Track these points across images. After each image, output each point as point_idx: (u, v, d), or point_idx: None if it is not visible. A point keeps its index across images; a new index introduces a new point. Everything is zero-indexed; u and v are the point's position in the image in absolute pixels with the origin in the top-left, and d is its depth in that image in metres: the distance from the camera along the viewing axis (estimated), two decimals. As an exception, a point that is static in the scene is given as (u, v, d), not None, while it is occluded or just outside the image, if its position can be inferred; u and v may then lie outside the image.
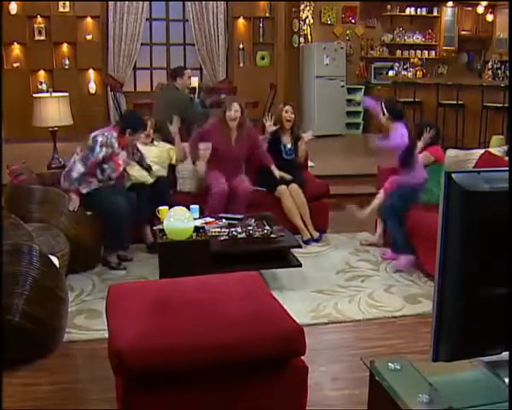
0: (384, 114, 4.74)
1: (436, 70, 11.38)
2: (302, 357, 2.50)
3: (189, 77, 6.43)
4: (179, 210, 3.93)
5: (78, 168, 4.49)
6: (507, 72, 8.60)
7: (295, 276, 4.33)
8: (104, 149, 4.54)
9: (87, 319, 3.71)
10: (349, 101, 10.96)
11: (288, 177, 5.29)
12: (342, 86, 10.60)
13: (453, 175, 1.74)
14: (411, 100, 8.82)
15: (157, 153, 5.29)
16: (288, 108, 5.52)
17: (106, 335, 3.39)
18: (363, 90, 11.17)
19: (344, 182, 6.92)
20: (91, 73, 9.77)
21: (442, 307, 1.90)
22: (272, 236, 4.13)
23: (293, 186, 5.31)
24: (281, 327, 2.45)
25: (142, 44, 9.80)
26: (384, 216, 4.94)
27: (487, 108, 7.95)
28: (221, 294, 2.74)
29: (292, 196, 5.27)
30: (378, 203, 4.86)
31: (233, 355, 2.35)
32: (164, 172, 5.28)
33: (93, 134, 4.62)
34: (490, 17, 11.46)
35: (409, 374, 2.06)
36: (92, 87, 9.74)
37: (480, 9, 11.26)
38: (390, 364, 2.11)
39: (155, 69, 10.31)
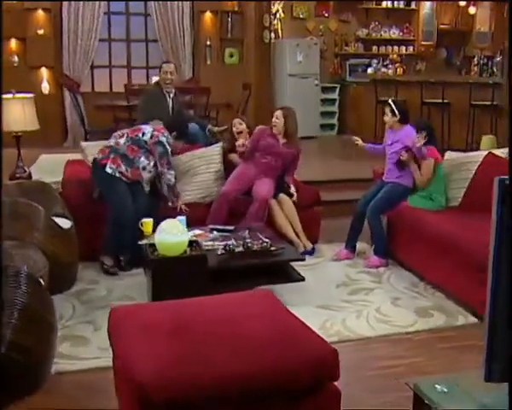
0: (395, 113, 4.93)
1: (414, 67, 11.57)
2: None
3: (167, 72, 6.20)
4: (171, 222, 3.85)
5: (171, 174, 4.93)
6: (494, 68, 8.80)
7: (295, 291, 4.29)
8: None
9: (73, 346, 3.59)
10: (323, 101, 11.04)
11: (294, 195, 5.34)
12: (316, 85, 10.66)
13: (507, 182, 1.78)
14: (393, 99, 8.91)
15: None
16: (235, 121, 5.66)
17: (96, 364, 3.36)
18: (338, 90, 11.27)
19: (327, 188, 6.91)
20: (44, 72, 9.52)
21: (495, 323, 1.91)
22: (272, 248, 4.09)
23: (283, 197, 5.28)
24: (313, 349, 2.41)
25: (100, 40, 9.61)
26: (370, 214, 5.05)
27: (474, 107, 8.12)
28: (239, 315, 2.68)
29: (282, 208, 5.24)
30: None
31: (264, 382, 2.30)
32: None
33: (144, 127, 4.99)
34: (472, 9, 11.65)
35: (459, 396, 2.07)
36: (45, 87, 9.47)
37: (462, 2, 11.45)
38: (437, 386, 2.12)
39: (115, 67, 10.14)
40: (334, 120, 11.35)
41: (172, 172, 4.95)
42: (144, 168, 4.89)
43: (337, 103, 11.33)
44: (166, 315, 2.67)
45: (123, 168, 4.82)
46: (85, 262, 4.75)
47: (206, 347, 2.38)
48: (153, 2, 9.68)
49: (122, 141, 4.90)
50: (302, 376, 2.33)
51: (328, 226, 5.76)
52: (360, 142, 5.46)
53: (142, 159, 4.87)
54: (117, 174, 4.80)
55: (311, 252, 5.14)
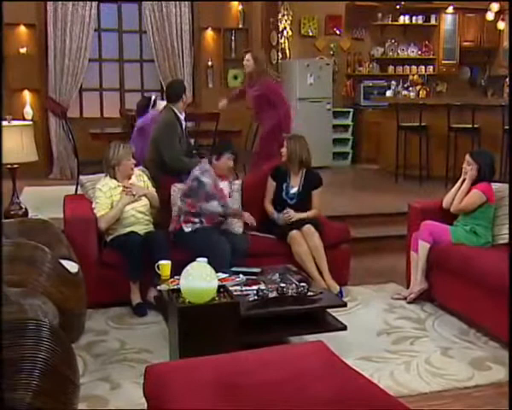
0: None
1: (434, 88, 11.68)
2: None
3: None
4: (198, 266, 3.81)
5: (213, 206, 5.09)
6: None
7: (331, 340, 4.19)
8: (208, 177, 5.11)
9: (90, 408, 3.52)
10: (334, 127, 11.08)
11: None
12: (329, 109, 10.73)
13: None
14: (416, 124, 8.99)
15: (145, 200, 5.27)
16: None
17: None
18: (351, 115, 11.35)
19: (353, 223, 6.89)
20: (27, 95, 9.54)
21: None
22: (309, 293, 4.06)
23: (307, 227, 5.25)
24: (390, 411, 2.38)
25: (89, 60, 9.68)
26: None
27: (508, 132, 8.16)
28: (296, 373, 2.66)
29: (305, 240, 5.22)
30: (424, 260, 5.01)
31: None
32: (151, 227, 5.24)
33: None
34: (501, 24, 11.68)
35: None
36: (28, 112, 9.43)
37: (490, 16, 11.45)
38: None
39: (106, 91, 10.21)
40: (348, 148, 11.38)
41: (215, 203, 5.13)
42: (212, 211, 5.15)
43: (350, 130, 11.39)
44: (214, 373, 2.64)
45: (197, 221, 5.13)
46: (89, 309, 4.69)
47: None
48: (148, 17, 9.74)
49: (179, 202, 5.26)
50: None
51: (358, 266, 5.75)
52: None
53: (204, 205, 5.11)
54: (196, 225, 5.12)
55: (339, 296, 5.07)
